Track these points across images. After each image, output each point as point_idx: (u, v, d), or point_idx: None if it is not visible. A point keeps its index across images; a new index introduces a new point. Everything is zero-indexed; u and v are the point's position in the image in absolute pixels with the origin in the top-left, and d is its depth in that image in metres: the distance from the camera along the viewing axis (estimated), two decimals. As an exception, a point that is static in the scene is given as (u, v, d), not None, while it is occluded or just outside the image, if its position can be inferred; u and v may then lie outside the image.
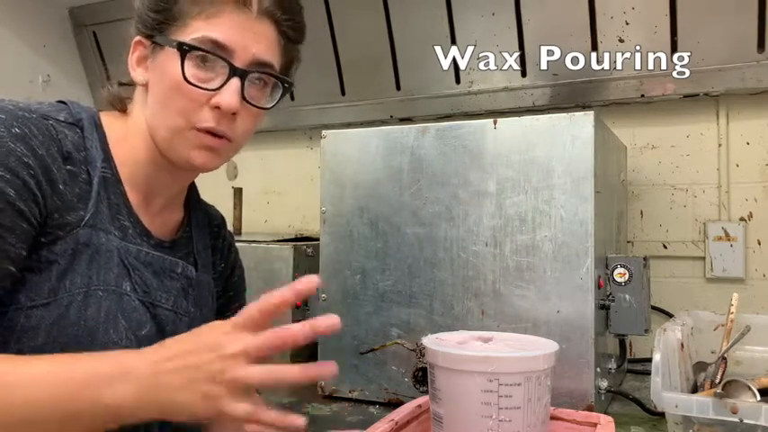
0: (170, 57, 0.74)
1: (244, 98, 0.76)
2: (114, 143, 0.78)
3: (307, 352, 1.58)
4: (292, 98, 1.96)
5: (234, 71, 0.74)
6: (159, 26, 0.76)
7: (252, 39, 0.76)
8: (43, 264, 0.69)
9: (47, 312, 0.68)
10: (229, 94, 0.74)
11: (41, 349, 0.68)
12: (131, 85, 0.82)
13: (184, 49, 0.73)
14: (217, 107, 0.74)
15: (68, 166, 0.72)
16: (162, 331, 0.79)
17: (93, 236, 0.72)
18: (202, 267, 0.89)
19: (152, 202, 0.82)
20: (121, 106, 0.82)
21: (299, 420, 0.61)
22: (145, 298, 0.77)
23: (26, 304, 0.68)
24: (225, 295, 0.97)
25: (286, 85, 0.81)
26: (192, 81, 0.73)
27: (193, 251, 0.88)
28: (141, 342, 0.75)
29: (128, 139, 0.79)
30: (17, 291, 0.68)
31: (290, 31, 0.80)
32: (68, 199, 0.71)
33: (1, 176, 0.65)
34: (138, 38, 0.79)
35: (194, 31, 0.74)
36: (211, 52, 0.74)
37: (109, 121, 0.80)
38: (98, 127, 0.78)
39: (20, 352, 0.67)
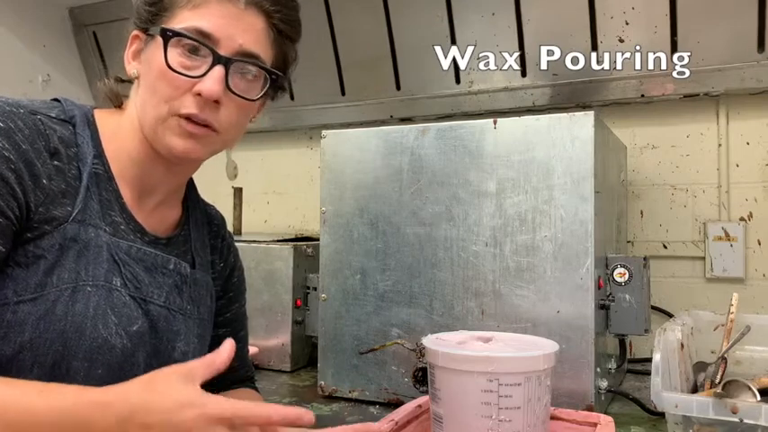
0: (158, 46, 0.75)
1: (228, 88, 0.76)
2: (107, 139, 0.79)
3: (307, 352, 1.58)
4: (292, 98, 1.96)
5: (218, 59, 0.74)
6: (153, 18, 0.77)
7: (239, 29, 0.76)
8: (30, 259, 0.69)
9: (34, 307, 0.68)
10: (211, 82, 0.74)
11: (28, 344, 0.68)
12: (129, 81, 0.82)
13: (167, 36, 0.74)
14: (198, 94, 0.74)
15: (55, 162, 0.72)
16: (154, 327, 0.78)
17: (81, 231, 0.72)
18: (200, 266, 0.88)
19: (148, 199, 0.82)
20: (117, 102, 0.82)
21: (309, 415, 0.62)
22: (136, 294, 0.77)
23: (13, 299, 0.68)
24: (225, 296, 0.97)
25: (273, 77, 0.80)
26: (174, 68, 0.74)
27: (191, 249, 0.88)
28: (132, 338, 0.75)
29: (121, 134, 0.80)
30: (4, 286, 0.68)
31: (281, 24, 0.80)
32: (54, 194, 0.71)
33: None
34: (134, 32, 0.80)
35: (181, 21, 0.75)
36: (194, 39, 0.74)
37: (103, 117, 0.80)
38: (91, 123, 0.78)
39: (6, 347, 0.67)
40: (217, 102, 0.75)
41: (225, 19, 0.75)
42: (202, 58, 0.75)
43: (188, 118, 0.75)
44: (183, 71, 0.74)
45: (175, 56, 0.74)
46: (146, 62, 0.78)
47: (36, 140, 0.70)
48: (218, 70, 0.74)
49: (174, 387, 0.61)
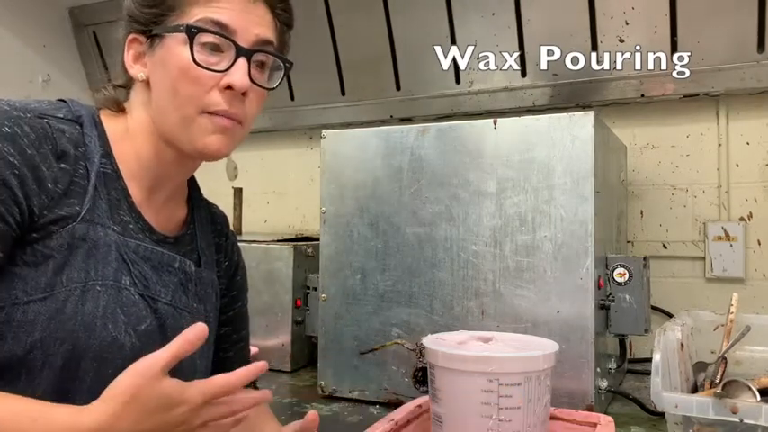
0: (173, 45, 0.75)
1: (251, 79, 0.76)
2: (115, 140, 0.79)
3: (307, 353, 1.58)
4: (292, 98, 1.96)
5: (240, 51, 0.75)
6: (156, 19, 0.77)
7: (252, 21, 0.77)
8: (39, 258, 0.69)
9: (44, 307, 0.68)
10: (240, 74, 0.74)
11: (39, 344, 0.68)
12: (127, 87, 0.82)
13: (192, 32, 0.73)
14: (227, 88, 0.75)
15: (62, 165, 0.72)
16: (162, 326, 0.79)
17: (89, 230, 0.72)
18: (206, 264, 0.89)
19: (155, 196, 0.82)
20: (118, 108, 0.82)
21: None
22: (145, 292, 0.77)
23: (23, 299, 0.68)
24: (228, 294, 0.97)
25: (287, 65, 0.82)
26: (201, 63, 0.74)
27: (197, 247, 0.88)
28: (141, 337, 0.75)
29: (129, 135, 0.80)
30: (14, 287, 0.68)
31: (283, 14, 0.82)
32: (59, 196, 0.71)
33: None
34: (132, 36, 0.79)
35: (195, 16, 0.75)
36: (218, 33, 0.74)
37: (108, 119, 0.80)
38: (97, 124, 0.78)
39: (17, 347, 0.67)
40: (244, 94, 0.76)
41: (238, 11, 0.76)
42: (221, 51, 0.75)
43: (218, 114, 0.75)
44: (210, 66, 0.74)
45: (194, 52, 0.74)
46: (157, 64, 0.77)
47: (42, 144, 0.70)
48: (243, 62, 0.75)
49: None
